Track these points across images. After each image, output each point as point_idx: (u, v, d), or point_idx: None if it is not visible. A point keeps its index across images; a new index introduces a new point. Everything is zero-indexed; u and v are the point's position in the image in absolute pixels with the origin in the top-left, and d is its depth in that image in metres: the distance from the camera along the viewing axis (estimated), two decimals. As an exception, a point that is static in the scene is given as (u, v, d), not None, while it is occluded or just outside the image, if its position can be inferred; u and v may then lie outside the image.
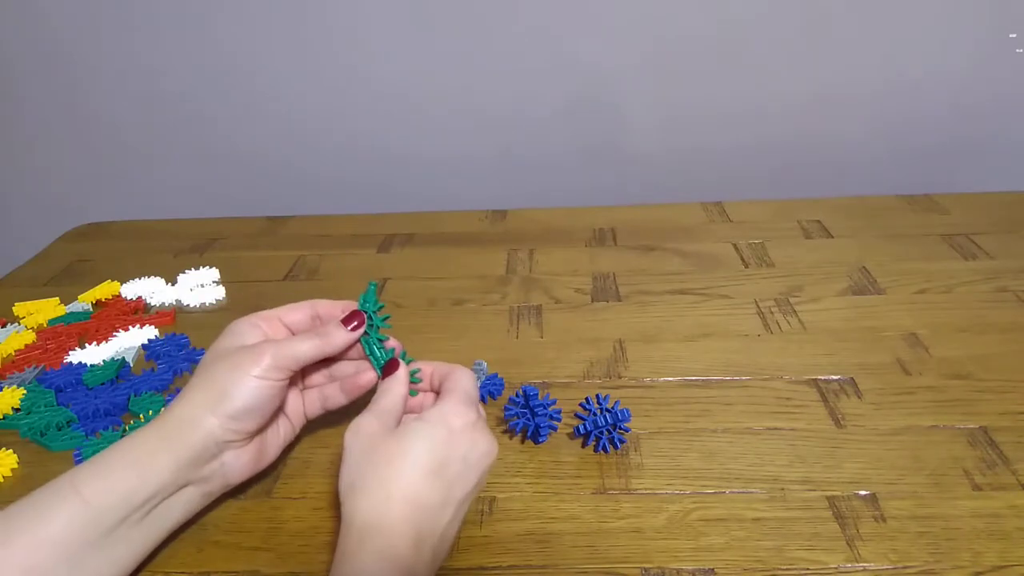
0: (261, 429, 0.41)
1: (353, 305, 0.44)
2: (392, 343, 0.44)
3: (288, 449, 0.47)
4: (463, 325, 0.61)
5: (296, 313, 0.44)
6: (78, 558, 0.34)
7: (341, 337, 0.42)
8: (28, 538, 0.33)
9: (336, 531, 0.40)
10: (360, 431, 0.36)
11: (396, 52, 0.88)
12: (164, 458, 0.37)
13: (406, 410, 0.41)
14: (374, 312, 0.44)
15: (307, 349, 0.41)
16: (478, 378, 0.50)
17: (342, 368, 0.45)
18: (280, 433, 0.44)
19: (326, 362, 0.45)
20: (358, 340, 0.43)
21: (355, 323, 0.43)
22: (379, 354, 0.43)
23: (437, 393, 0.41)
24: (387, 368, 0.42)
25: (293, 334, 0.44)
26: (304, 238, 0.79)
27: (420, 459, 0.34)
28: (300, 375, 0.46)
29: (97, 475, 0.36)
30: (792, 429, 0.47)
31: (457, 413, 0.36)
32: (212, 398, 0.39)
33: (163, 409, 0.39)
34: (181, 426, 0.38)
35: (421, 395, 0.42)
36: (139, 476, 0.36)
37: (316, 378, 0.46)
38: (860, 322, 0.58)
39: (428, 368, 0.42)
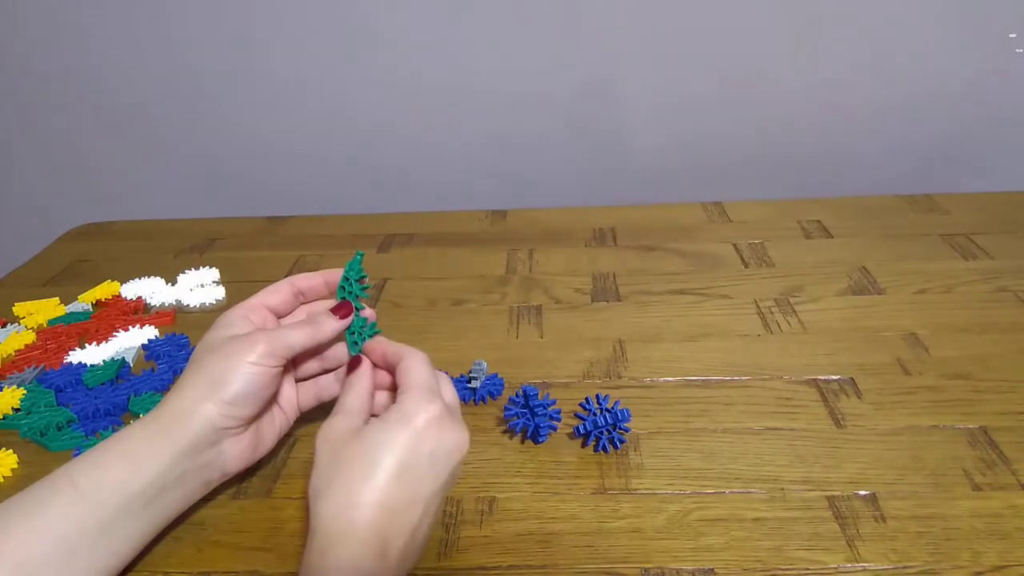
0: (257, 416, 0.42)
1: (336, 274, 0.45)
2: (367, 312, 0.44)
3: (288, 449, 0.47)
4: (463, 325, 0.61)
5: (277, 295, 0.45)
6: (75, 550, 0.34)
7: (331, 326, 0.43)
8: (24, 531, 0.33)
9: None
10: (328, 435, 0.36)
11: (396, 49, 0.88)
12: (161, 448, 0.37)
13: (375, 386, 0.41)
14: (356, 281, 0.44)
15: (299, 337, 0.41)
16: (477, 378, 0.50)
17: (334, 354, 0.46)
18: (275, 423, 0.44)
19: (317, 350, 0.46)
20: (348, 327, 0.44)
21: (344, 312, 0.43)
22: (354, 324, 0.44)
23: (391, 373, 0.40)
24: (351, 364, 0.42)
25: (280, 317, 0.45)
26: (304, 238, 0.79)
27: (384, 462, 0.33)
28: (292, 365, 0.46)
29: (93, 467, 0.36)
30: (792, 429, 0.47)
31: (419, 409, 0.35)
32: (207, 386, 0.39)
33: (158, 403, 0.40)
34: (177, 416, 0.38)
35: (380, 373, 0.42)
36: (136, 467, 0.36)
37: (309, 367, 0.46)
38: (860, 322, 0.58)
39: (379, 348, 0.41)
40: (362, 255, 0.45)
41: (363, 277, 0.45)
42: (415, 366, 0.38)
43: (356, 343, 0.44)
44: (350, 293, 0.45)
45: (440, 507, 0.36)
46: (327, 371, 0.46)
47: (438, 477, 0.34)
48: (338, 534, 0.32)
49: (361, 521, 0.32)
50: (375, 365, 0.42)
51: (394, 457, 0.33)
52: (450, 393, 0.39)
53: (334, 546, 0.32)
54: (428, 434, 0.34)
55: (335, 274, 0.45)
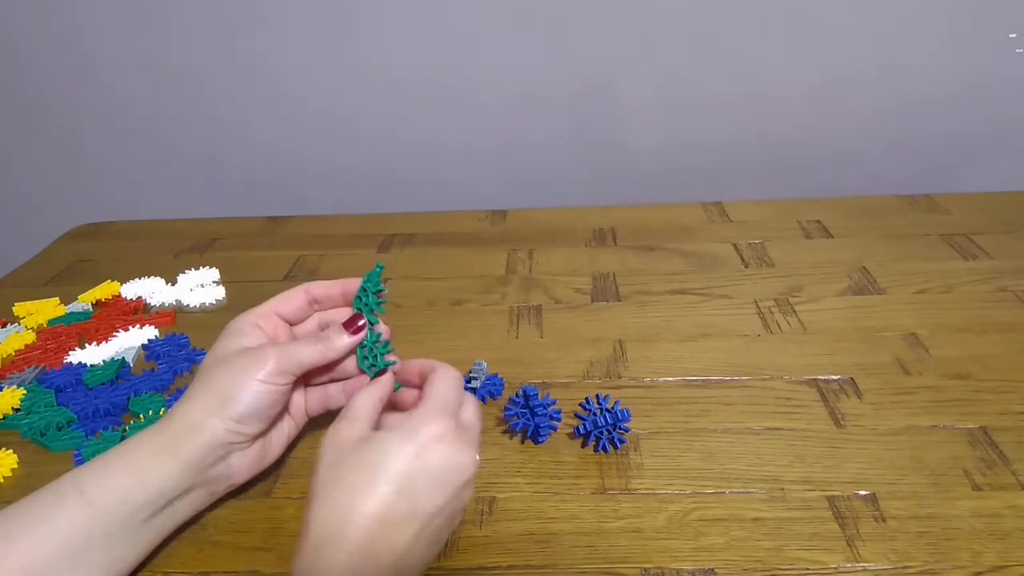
0: (265, 431, 0.41)
1: (354, 284, 0.44)
2: (381, 327, 0.44)
3: (288, 449, 0.47)
4: (463, 325, 0.61)
5: (291, 302, 0.44)
6: (80, 557, 0.34)
7: (343, 342, 0.42)
8: (31, 536, 0.33)
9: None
10: (334, 439, 0.35)
11: (396, 49, 0.88)
12: (169, 462, 0.37)
13: (394, 406, 0.41)
14: (373, 293, 0.43)
15: (311, 354, 0.41)
16: (477, 378, 0.50)
17: (344, 367, 0.45)
18: (284, 432, 0.44)
19: (328, 365, 0.45)
20: (360, 343, 0.43)
21: (357, 325, 0.43)
22: (367, 339, 0.43)
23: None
24: (348, 322, 0.42)
25: (292, 324, 0.44)
26: (304, 238, 0.79)
27: (386, 473, 0.32)
28: (302, 376, 0.46)
29: (101, 476, 0.36)
30: (792, 429, 0.47)
31: (428, 422, 0.34)
32: (216, 402, 0.38)
33: (166, 412, 0.39)
34: (185, 431, 0.38)
35: (405, 391, 0.41)
36: (142, 479, 0.36)
37: (319, 375, 0.46)
38: (860, 322, 0.58)
39: (416, 365, 0.41)
40: (382, 267, 0.44)
41: (380, 290, 0.43)
42: (440, 380, 0.37)
43: (367, 357, 0.43)
44: (366, 305, 0.43)
45: (441, 531, 0.34)
46: (335, 381, 0.46)
47: (439, 494, 0.33)
48: (332, 538, 0.31)
49: (356, 529, 0.31)
50: (411, 384, 0.41)
51: (397, 468, 0.33)
52: (471, 414, 0.38)
53: (327, 549, 0.31)
54: (434, 448, 0.33)
55: (353, 284, 0.44)
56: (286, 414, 0.44)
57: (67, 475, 0.36)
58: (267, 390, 0.39)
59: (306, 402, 0.45)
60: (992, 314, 0.58)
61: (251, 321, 0.42)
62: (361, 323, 0.43)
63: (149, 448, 0.37)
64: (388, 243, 0.77)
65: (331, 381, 0.46)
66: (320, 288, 0.44)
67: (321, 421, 0.48)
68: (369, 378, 0.43)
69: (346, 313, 0.44)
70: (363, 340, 0.43)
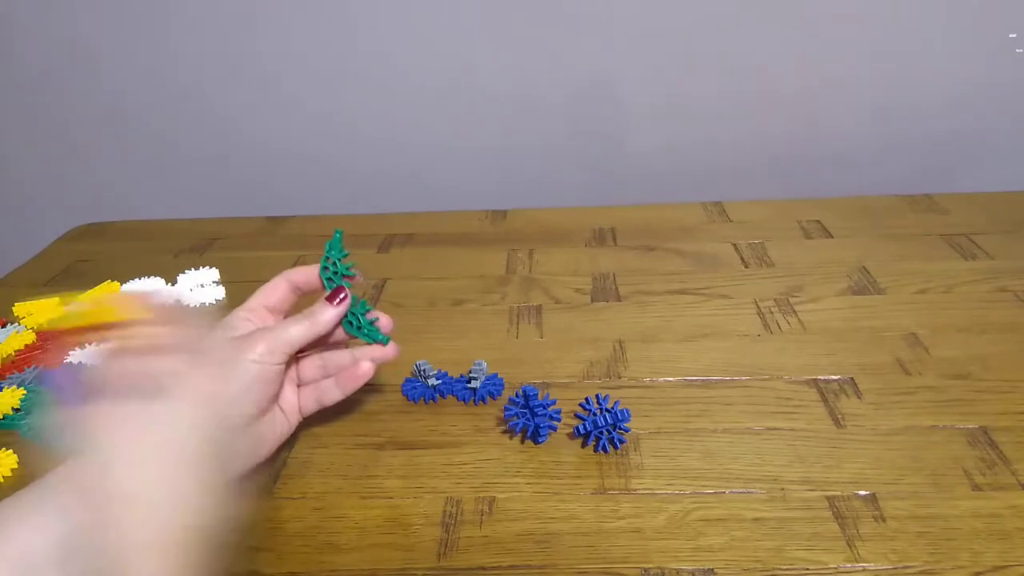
0: (259, 415, 0.42)
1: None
2: (380, 317, 0.46)
3: (288, 449, 0.47)
4: (463, 325, 0.61)
5: (274, 293, 0.46)
6: (71, 552, 0.34)
7: (329, 314, 0.44)
8: (19, 529, 0.33)
9: (335, 531, 0.41)
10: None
11: (396, 49, 0.88)
12: None
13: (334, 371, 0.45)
14: (339, 259, 0.45)
15: (298, 332, 0.42)
16: (477, 378, 0.50)
17: (335, 360, 0.46)
18: (276, 428, 0.44)
19: (320, 341, 0.46)
20: (346, 314, 0.45)
21: (340, 296, 0.44)
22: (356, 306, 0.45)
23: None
24: (331, 295, 0.44)
25: (282, 314, 0.46)
26: (304, 238, 0.79)
27: None
28: (296, 367, 0.46)
29: None
30: (792, 429, 0.47)
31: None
32: None
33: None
34: None
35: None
36: None
37: (310, 371, 0.46)
38: (860, 322, 0.58)
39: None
40: (341, 232, 0.46)
41: (345, 255, 0.46)
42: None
43: (351, 322, 0.45)
44: (336, 273, 0.45)
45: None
46: (328, 376, 0.46)
47: None
48: None
49: None
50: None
51: None
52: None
53: None
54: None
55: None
56: (279, 411, 0.44)
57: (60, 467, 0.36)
58: (259, 370, 0.40)
59: (299, 401, 0.46)
60: (992, 314, 0.58)
61: (241, 316, 0.44)
62: (343, 295, 0.44)
63: None
64: (388, 243, 0.77)
65: (324, 377, 0.46)
66: (300, 274, 0.46)
67: (320, 421, 0.48)
68: (363, 367, 0.45)
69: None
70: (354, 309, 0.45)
